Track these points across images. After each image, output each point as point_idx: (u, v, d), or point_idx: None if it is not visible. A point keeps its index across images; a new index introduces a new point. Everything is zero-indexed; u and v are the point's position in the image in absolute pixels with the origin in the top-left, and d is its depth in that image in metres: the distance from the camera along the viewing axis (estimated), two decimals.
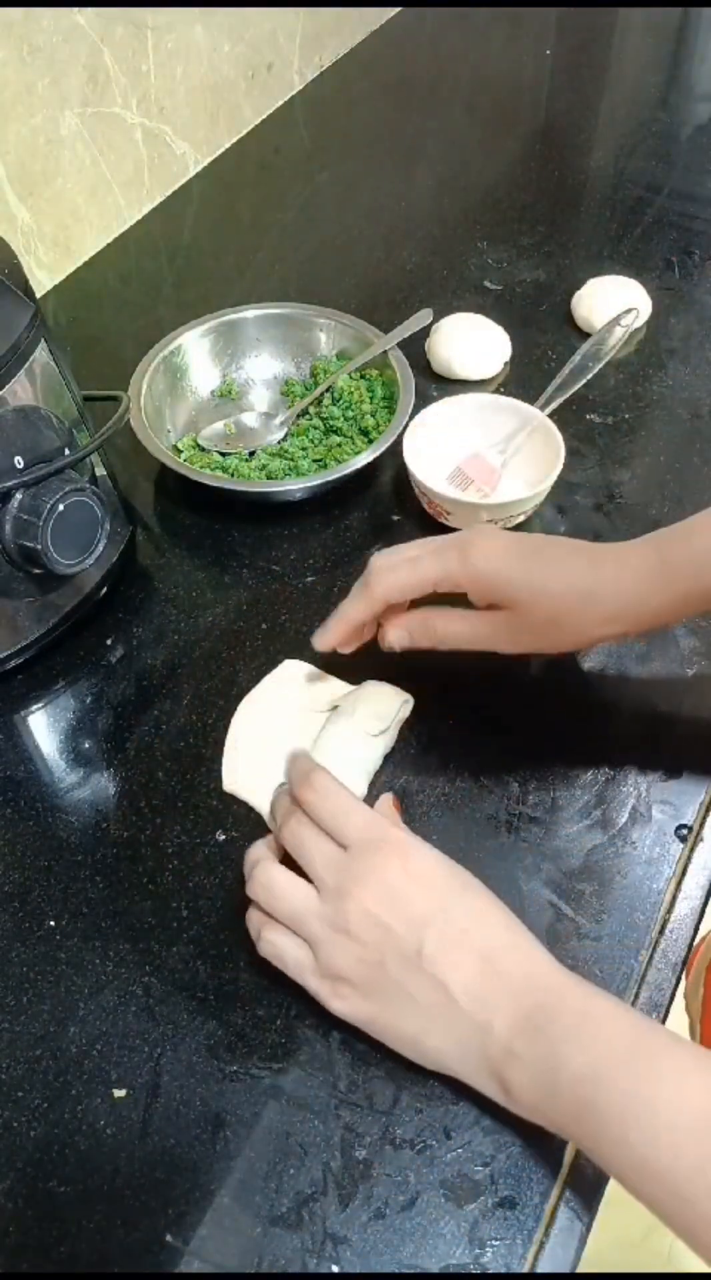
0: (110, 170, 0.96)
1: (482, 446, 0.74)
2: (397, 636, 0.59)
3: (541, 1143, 0.47)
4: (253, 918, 0.51)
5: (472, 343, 0.83)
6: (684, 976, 0.53)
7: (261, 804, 0.59)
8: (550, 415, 0.74)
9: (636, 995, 0.52)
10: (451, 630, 0.57)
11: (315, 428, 0.79)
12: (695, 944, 0.55)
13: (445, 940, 0.46)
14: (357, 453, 0.74)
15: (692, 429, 0.80)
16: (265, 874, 0.50)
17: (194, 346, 0.82)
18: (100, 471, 0.70)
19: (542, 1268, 0.45)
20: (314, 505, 0.75)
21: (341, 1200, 0.46)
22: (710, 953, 0.89)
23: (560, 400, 0.78)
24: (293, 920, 0.49)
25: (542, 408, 0.75)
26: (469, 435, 0.75)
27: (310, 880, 0.49)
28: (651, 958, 0.53)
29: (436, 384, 0.84)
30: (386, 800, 0.56)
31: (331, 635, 0.60)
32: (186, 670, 0.66)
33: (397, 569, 0.57)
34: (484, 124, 1.17)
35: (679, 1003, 0.93)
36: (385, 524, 0.74)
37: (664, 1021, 0.52)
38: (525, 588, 0.54)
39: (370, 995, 0.47)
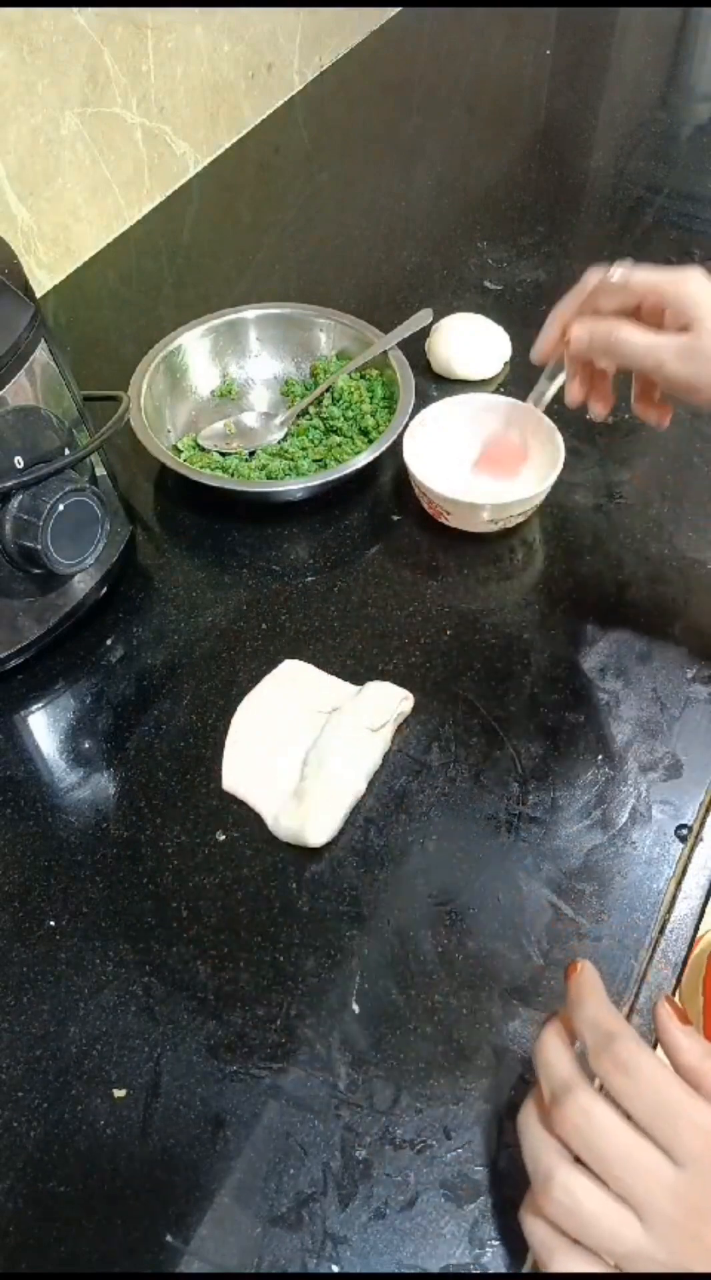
0: (110, 170, 0.96)
1: (502, 430, 0.75)
2: (579, 335, 0.59)
3: None
4: (539, 1230, 0.40)
5: (472, 343, 0.83)
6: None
7: (261, 804, 0.59)
8: (549, 412, 0.74)
9: (636, 995, 0.52)
10: (630, 339, 0.57)
11: (315, 428, 0.79)
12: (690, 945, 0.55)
13: None
14: (358, 453, 0.74)
15: (692, 429, 0.80)
16: (572, 1185, 0.38)
17: (194, 346, 0.82)
18: (100, 471, 0.70)
19: None
20: (314, 505, 0.75)
21: (341, 1200, 0.46)
22: (704, 958, 0.89)
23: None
24: (611, 1257, 0.38)
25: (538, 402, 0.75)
26: (469, 435, 0.75)
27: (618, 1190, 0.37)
28: (651, 958, 0.53)
29: (436, 384, 0.84)
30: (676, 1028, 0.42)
31: (543, 339, 0.63)
32: (186, 670, 0.66)
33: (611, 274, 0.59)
34: (484, 124, 1.17)
35: None
36: (385, 524, 0.74)
37: None
38: None
39: None
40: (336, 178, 1.09)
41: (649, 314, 0.58)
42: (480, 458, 0.74)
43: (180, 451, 0.77)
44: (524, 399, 0.75)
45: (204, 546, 0.74)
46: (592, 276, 0.61)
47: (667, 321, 0.57)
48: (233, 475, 0.75)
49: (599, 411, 0.64)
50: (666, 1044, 0.41)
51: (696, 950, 0.89)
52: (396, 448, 0.72)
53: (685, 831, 0.58)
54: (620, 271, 0.60)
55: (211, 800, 0.60)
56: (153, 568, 0.73)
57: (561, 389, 0.71)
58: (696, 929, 0.55)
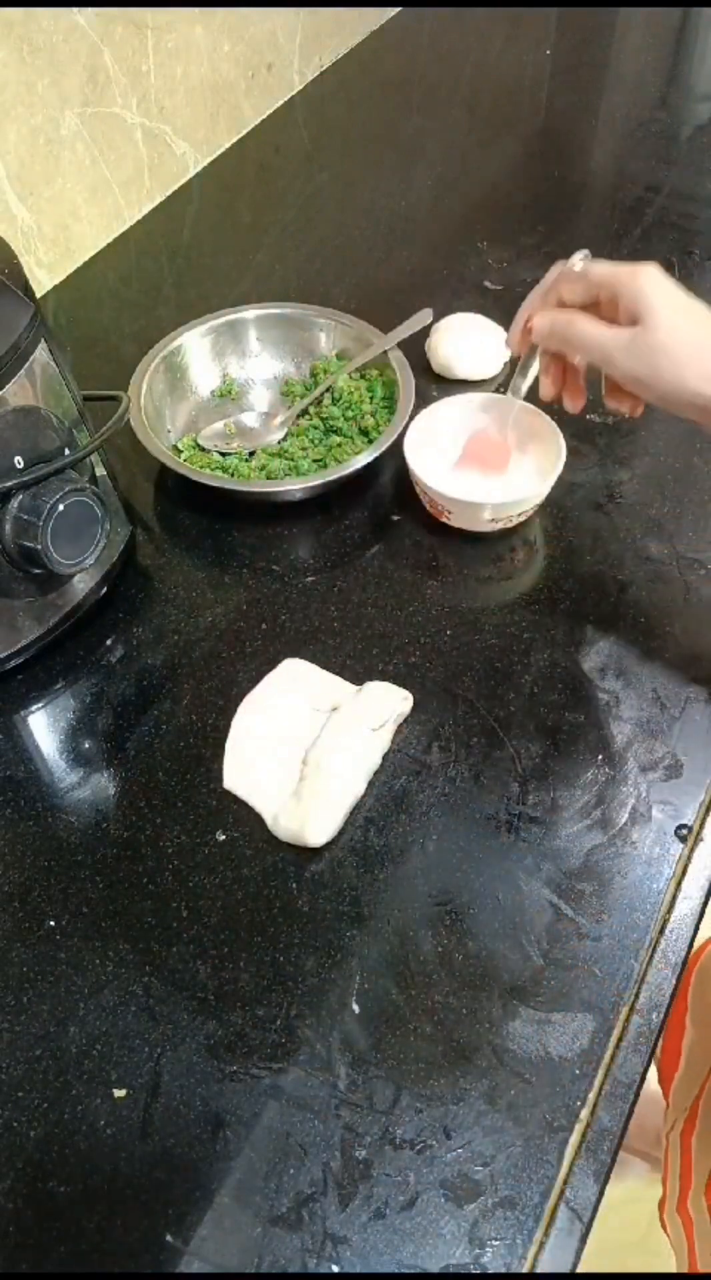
0: (110, 170, 0.96)
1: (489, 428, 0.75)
2: (539, 325, 0.61)
3: (541, 1143, 0.47)
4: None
5: (472, 343, 0.83)
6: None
7: (261, 804, 0.59)
8: (550, 413, 0.74)
9: (636, 995, 0.52)
10: (583, 331, 0.59)
11: (315, 428, 0.79)
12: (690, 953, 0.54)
13: None
14: (358, 453, 0.74)
15: (692, 429, 0.79)
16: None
17: (194, 346, 0.82)
18: (100, 471, 0.70)
19: (542, 1268, 0.45)
20: (314, 505, 0.75)
21: (341, 1200, 0.46)
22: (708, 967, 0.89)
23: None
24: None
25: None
26: (469, 435, 0.75)
27: None
28: (651, 958, 0.53)
29: (436, 384, 0.84)
30: None
31: (513, 330, 0.64)
32: (186, 670, 0.66)
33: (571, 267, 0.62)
34: (484, 124, 1.17)
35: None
36: (385, 524, 0.74)
37: (662, 1024, 0.52)
38: (669, 310, 0.56)
39: None
40: (336, 178, 1.09)
41: (607, 306, 0.59)
42: (463, 455, 0.74)
43: (180, 451, 0.77)
44: (523, 399, 0.75)
45: (204, 546, 0.74)
46: (558, 268, 0.62)
47: (620, 315, 0.58)
48: (233, 475, 0.75)
49: (571, 406, 0.66)
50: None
51: (704, 955, 0.89)
52: (396, 448, 0.72)
53: (685, 831, 0.58)
54: (580, 263, 0.61)
55: (211, 800, 0.60)
56: (153, 568, 0.73)
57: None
58: (696, 929, 0.55)
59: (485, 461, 0.73)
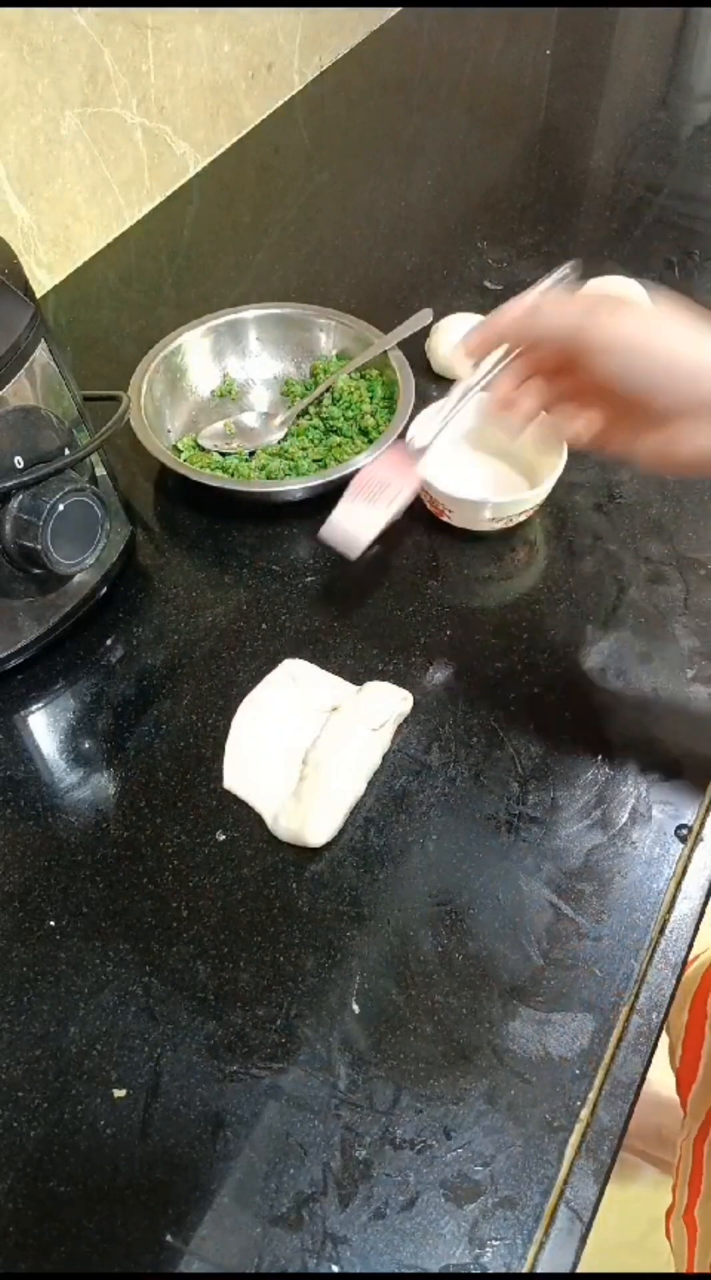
0: (110, 170, 0.96)
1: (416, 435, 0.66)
2: (497, 319, 0.56)
3: (541, 1143, 0.47)
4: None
5: None
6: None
7: (261, 804, 0.59)
8: None
9: (636, 995, 0.52)
10: (556, 308, 0.54)
11: (315, 428, 0.79)
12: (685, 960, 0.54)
13: None
14: (358, 453, 0.74)
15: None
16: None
17: (194, 346, 0.82)
18: (100, 471, 0.70)
19: (542, 1268, 0.45)
20: (314, 505, 0.75)
21: (341, 1200, 0.46)
22: (697, 975, 0.89)
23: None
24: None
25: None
26: (469, 435, 0.75)
27: None
28: (651, 958, 0.53)
29: (436, 384, 0.84)
30: None
31: (472, 335, 0.57)
32: (186, 670, 0.66)
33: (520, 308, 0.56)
34: (484, 124, 1.17)
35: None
36: None
37: (662, 1024, 0.52)
38: (659, 305, 0.53)
39: None
40: (336, 178, 1.09)
41: None
42: (355, 488, 0.64)
43: (180, 451, 0.77)
44: None
45: (204, 546, 0.74)
46: (528, 296, 0.58)
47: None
48: (233, 475, 0.75)
49: (525, 411, 0.58)
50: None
51: (689, 971, 0.88)
52: None
53: (685, 831, 0.58)
54: (567, 271, 0.59)
55: (211, 800, 0.60)
56: (153, 568, 0.73)
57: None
58: (696, 929, 0.55)
59: (382, 487, 0.62)
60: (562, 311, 0.54)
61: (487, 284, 0.93)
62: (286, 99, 1.18)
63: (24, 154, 0.86)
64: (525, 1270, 0.45)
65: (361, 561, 0.71)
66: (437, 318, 0.85)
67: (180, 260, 0.99)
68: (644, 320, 0.52)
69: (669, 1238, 0.82)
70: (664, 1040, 0.82)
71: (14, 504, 0.58)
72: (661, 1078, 0.90)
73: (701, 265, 0.95)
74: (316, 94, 1.20)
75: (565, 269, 0.61)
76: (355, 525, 0.59)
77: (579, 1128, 0.48)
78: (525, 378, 0.58)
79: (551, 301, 0.56)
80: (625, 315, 0.52)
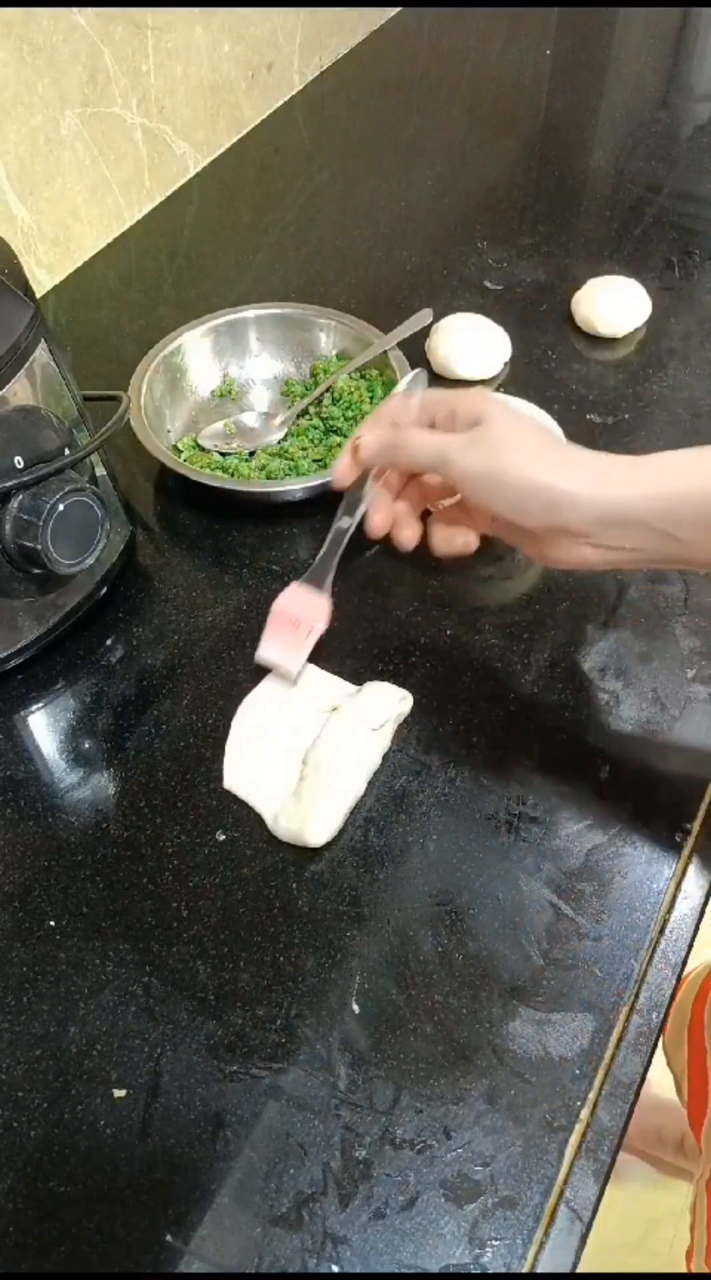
0: (110, 170, 0.96)
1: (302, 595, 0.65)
2: (367, 440, 0.58)
3: (541, 1143, 0.47)
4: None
5: (472, 343, 0.83)
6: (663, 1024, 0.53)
7: (261, 804, 0.59)
8: (550, 412, 0.74)
9: (636, 995, 0.52)
10: (417, 438, 0.55)
11: (315, 428, 0.79)
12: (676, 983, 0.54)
13: None
14: None
15: (692, 429, 0.80)
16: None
17: (194, 346, 0.82)
18: (100, 471, 0.70)
19: (542, 1268, 0.45)
20: (314, 505, 0.75)
21: (341, 1200, 0.46)
22: (687, 1006, 0.88)
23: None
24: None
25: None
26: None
27: None
28: (651, 958, 0.53)
29: (436, 384, 0.84)
30: None
31: (340, 461, 0.60)
32: (186, 670, 0.66)
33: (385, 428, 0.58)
34: (484, 124, 1.17)
35: (660, 1055, 0.92)
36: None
37: (662, 1025, 0.52)
38: (509, 417, 0.53)
39: None
40: (336, 178, 1.09)
41: (444, 424, 0.56)
42: (269, 627, 0.64)
43: (180, 451, 0.77)
44: (524, 399, 0.75)
45: (204, 546, 0.74)
46: (390, 402, 0.59)
47: (458, 426, 0.55)
48: (233, 475, 0.75)
49: (406, 540, 0.60)
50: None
51: (683, 989, 0.88)
52: None
53: (685, 831, 0.58)
54: (413, 383, 0.59)
55: (211, 800, 0.60)
56: (153, 568, 0.73)
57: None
58: (696, 929, 0.55)
59: (296, 624, 0.63)
60: (420, 446, 0.55)
61: (487, 284, 0.93)
62: (286, 99, 1.18)
63: (24, 154, 0.86)
64: (525, 1270, 0.45)
65: (361, 561, 0.72)
66: (437, 318, 0.85)
67: (180, 260, 0.99)
68: (495, 453, 0.52)
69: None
70: (662, 1076, 0.81)
71: (14, 504, 0.58)
72: (661, 1078, 0.90)
73: (701, 265, 0.95)
74: (316, 94, 1.20)
75: (410, 376, 0.61)
76: (284, 659, 0.63)
77: (579, 1128, 0.48)
78: (398, 493, 0.61)
79: (408, 435, 0.56)
80: (477, 450, 0.53)
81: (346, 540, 0.64)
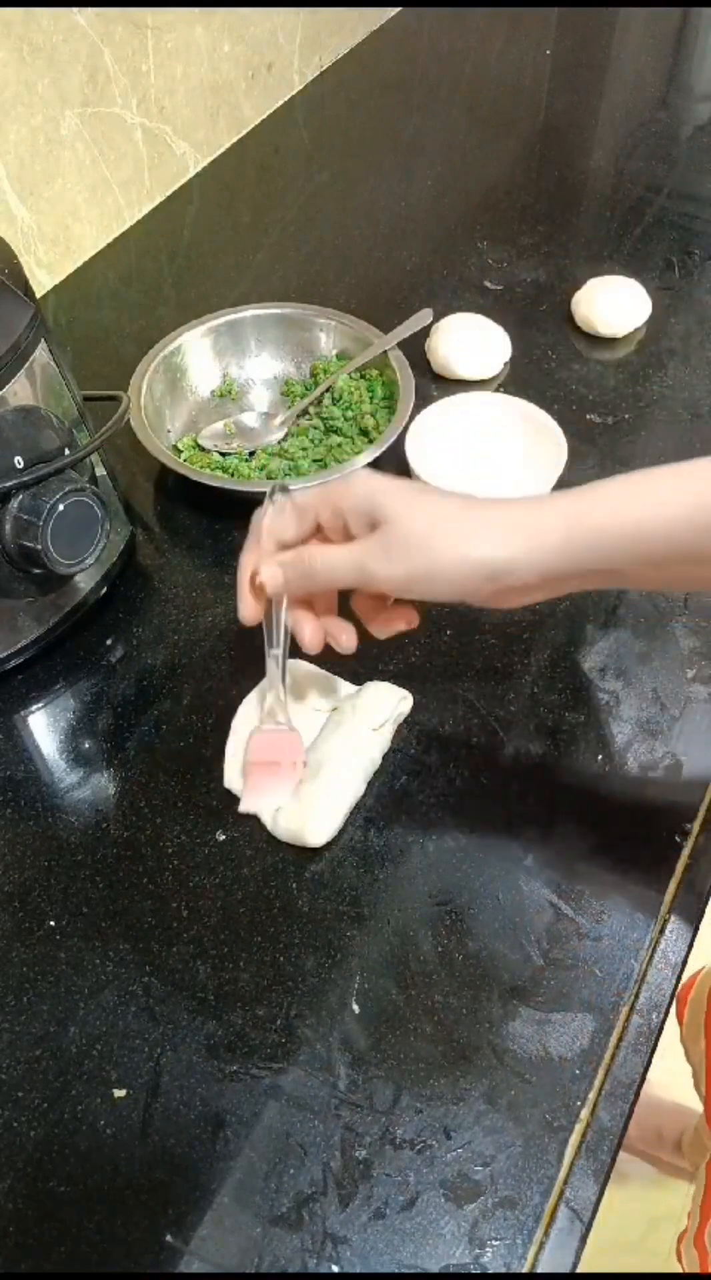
0: (110, 170, 0.96)
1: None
2: (271, 574, 0.54)
3: (541, 1143, 0.47)
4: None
5: (472, 343, 0.83)
6: (676, 1016, 0.52)
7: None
8: (551, 410, 0.74)
9: (636, 995, 0.52)
10: (325, 558, 0.52)
11: (315, 428, 0.79)
12: (680, 985, 0.54)
13: None
14: (358, 453, 0.74)
15: (692, 429, 0.80)
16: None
17: (194, 346, 0.82)
18: (100, 471, 0.70)
19: (542, 1268, 0.45)
20: None
21: (341, 1200, 0.46)
22: (704, 996, 0.88)
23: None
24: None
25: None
26: (470, 435, 0.75)
27: None
28: (651, 958, 0.53)
29: (436, 384, 0.84)
30: None
31: (242, 599, 0.56)
32: (187, 670, 0.66)
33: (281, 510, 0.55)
34: (484, 124, 1.17)
35: (673, 1049, 0.92)
36: None
37: (661, 1026, 0.52)
38: (403, 499, 0.50)
39: None
40: (336, 178, 1.09)
41: (332, 529, 0.53)
42: (248, 770, 0.60)
43: (180, 451, 0.77)
44: (524, 399, 0.75)
45: (204, 546, 0.74)
46: (259, 518, 0.56)
47: (352, 529, 0.52)
48: (233, 475, 0.75)
49: (345, 645, 0.56)
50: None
51: (699, 980, 0.88)
52: (397, 448, 0.72)
53: (685, 831, 0.58)
54: (279, 499, 0.55)
55: (211, 800, 0.60)
56: (153, 568, 0.73)
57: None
58: (695, 930, 0.55)
59: (276, 768, 0.59)
60: (334, 568, 0.52)
61: (487, 284, 0.93)
62: (286, 99, 1.18)
63: (24, 154, 0.86)
64: (525, 1270, 0.45)
65: None
66: (437, 318, 0.85)
67: (180, 260, 0.99)
68: (417, 552, 0.49)
69: (680, 1261, 0.81)
70: (667, 1043, 0.82)
71: (14, 504, 0.58)
72: (661, 1078, 0.90)
73: (701, 265, 0.95)
74: (316, 94, 1.20)
75: (275, 492, 0.57)
76: (277, 799, 0.59)
77: (579, 1128, 0.48)
78: (322, 611, 0.57)
79: (314, 557, 0.53)
80: (396, 555, 0.49)
81: (285, 664, 0.61)
